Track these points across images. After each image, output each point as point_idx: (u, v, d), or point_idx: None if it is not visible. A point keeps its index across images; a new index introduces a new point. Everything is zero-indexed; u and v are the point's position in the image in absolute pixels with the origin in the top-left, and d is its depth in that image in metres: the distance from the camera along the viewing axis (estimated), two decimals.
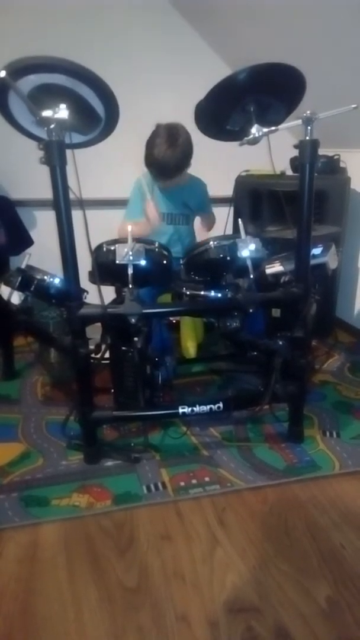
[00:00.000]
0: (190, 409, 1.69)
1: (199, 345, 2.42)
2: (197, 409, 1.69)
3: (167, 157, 1.98)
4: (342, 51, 2.09)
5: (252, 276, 1.65)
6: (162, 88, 2.67)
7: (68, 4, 2.54)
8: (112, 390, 1.81)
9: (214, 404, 1.71)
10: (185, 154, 2.02)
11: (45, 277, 1.83)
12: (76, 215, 1.44)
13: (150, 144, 2.01)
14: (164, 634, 1.13)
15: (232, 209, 2.71)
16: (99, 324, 1.65)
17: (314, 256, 1.69)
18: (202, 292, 1.84)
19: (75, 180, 1.41)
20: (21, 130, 1.50)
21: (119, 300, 1.63)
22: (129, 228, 1.59)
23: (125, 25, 2.67)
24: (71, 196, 1.41)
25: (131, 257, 1.55)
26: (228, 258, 1.71)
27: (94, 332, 1.66)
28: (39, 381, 2.32)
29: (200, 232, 2.48)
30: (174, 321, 2.41)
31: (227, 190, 2.71)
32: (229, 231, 2.42)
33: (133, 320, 1.53)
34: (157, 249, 1.69)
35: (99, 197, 2.62)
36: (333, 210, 2.52)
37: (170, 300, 2.09)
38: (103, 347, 1.67)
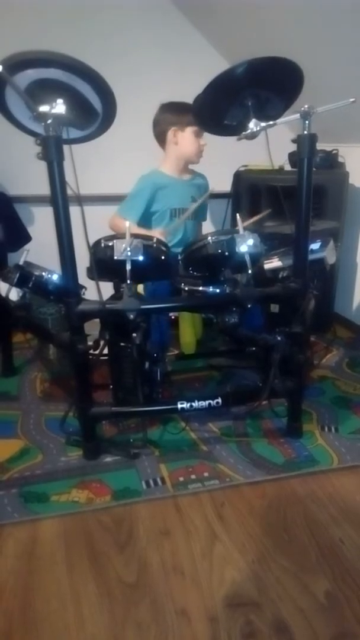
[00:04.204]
0: (189, 404, 1.69)
1: (198, 341, 2.42)
2: (196, 404, 1.69)
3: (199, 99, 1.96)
4: (340, 45, 2.08)
5: (250, 271, 1.65)
6: (161, 84, 2.64)
7: (68, 2, 2.53)
8: (111, 386, 1.81)
9: (213, 400, 1.71)
10: None
11: (44, 274, 1.82)
12: (74, 211, 1.43)
13: (178, 106, 2.11)
14: (164, 628, 1.13)
15: (230, 204, 2.71)
16: (97, 320, 1.65)
17: (313, 251, 1.69)
18: (201, 288, 1.84)
19: (72, 175, 1.40)
20: (18, 126, 1.49)
21: (117, 296, 1.63)
22: (127, 224, 1.59)
23: (125, 22, 2.65)
24: (69, 192, 1.41)
25: (129, 253, 1.55)
26: (226, 253, 1.71)
27: (93, 328, 1.66)
28: (38, 377, 2.32)
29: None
30: (173, 317, 2.41)
31: (226, 186, 2.71)
32: (227, 226, 2.43)
33: (131, 316, 1.53)
34: (155, 245, 1.68)
35: (97, 192, 2.61)
36: (331, 205, 2.51)
37: None
38: (102, 343, 1.67)
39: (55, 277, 1.81)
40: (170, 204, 2.25)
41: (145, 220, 2.24)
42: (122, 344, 1.68)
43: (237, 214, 1.75)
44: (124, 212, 2.20)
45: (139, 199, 2.20)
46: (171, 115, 2.16)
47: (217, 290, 1.79)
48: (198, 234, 2.41)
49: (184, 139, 2.18)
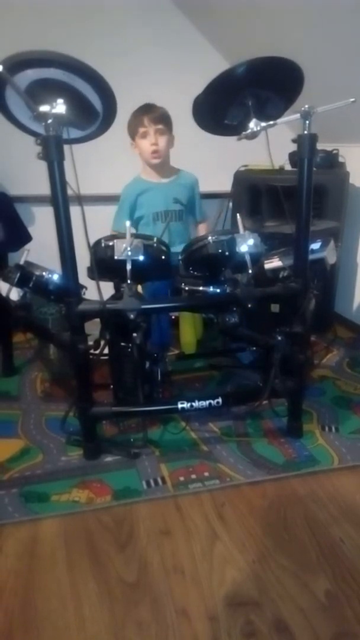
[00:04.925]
0: (189, 404, 1.69)
1: (198, 340, 2.42)
2: (196, 404, 1.69)
3: (153, 107, 2.13)
4: (341, 45, 2.08)
5: (250, 271, 1.65)
6: (161, 83, 2.64)
7: (68, 2, 2.53)
8: (112, 386, 1.81)
9: (213, 399, 1.71)
10: (168, 113, 2.16)
11: (44, 273, 1.82)
12: (74, 211, 1.43)
13: (131, 116, 2.16)
14: (164, 628, 1.13)
15: (230, 204, 2.71)
16: (97, 320, 1.65)
17: (313, 251, 1.69)
18: (201, 288, 1.84)
19: (73, 175, 1.41)
20: (18, 126, 1.49)
21: (117, 296, 1.63)
22: (127, 223, 1.59)
23: (125, 21, 2.66)
24: (69, 192, 1.41)
25: (129, 253, 1.55)
26: (227, 253, 1.71)
27: (93, 328, 1.66)
28: (39, 377, 2.32)
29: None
30: (173, 317, 2.41)
31: (226, 186, 2.71)
32: (228, 226, 2.43)
33: (132, 316, 1.53)
34: (155, 244, 1.69)
35: (97, 192, 2.61)
36: (332, 205, 2.51)
37: None
38: (102, 343, 1.67)
39: (55, 277, 1.81)
40: (152, 208, 2.27)
41: (135, 227, 2.31)
42: (122, 343, 1.68)
43: (237, 214, 1.75)
44: (115, 226, 2.28)
45: (123, 210, 2.29)
46: (128, 126, 2.20)
47: (218, 290, 1.79)
48: (192, 234, 2.41)
49: (139, 145, 2.22)
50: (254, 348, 2.07)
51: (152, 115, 2.13)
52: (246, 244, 1.66)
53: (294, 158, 2.47)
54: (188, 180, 2.35)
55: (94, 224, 1.49)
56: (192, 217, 2.45)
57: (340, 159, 2.62)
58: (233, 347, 2.34)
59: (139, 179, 2.32)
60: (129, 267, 1.55)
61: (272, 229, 2.37)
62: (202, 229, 2.48)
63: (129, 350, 1.67)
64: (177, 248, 1.99)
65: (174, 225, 2.31)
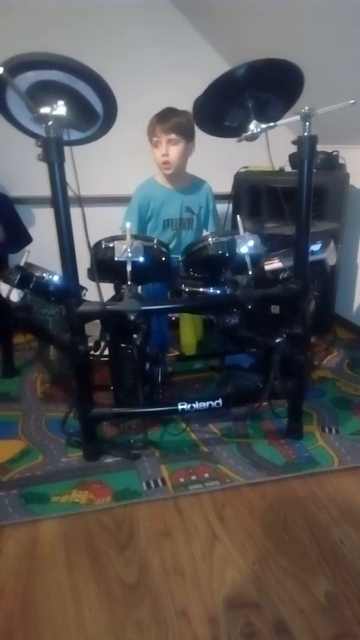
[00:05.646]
0: (189, 405, 1.69)
1: (198, 342, 2.42)
2: (196, 405, 1.69)
3: (171, 115, 2.07)
4: (341, 46, 2.08)
5: (250, 273, 1.65)
6: (161, 85, 2.65)
7: (68, 3, 2.54)
8: (112, 387, 1.81)
9: (213, 401, 1.71)
10: (190, 120, 2.00)
11: (44, 275, 1.83)
12: (75, 212, 1.44)
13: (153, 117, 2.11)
14: (164, 629, 1.13)
15: (230, 205, 2.71)
16: (98, 321, 1.65)
17: (313, 252, 1.69)
18: (201, 289, 1.84)
19: (73, 177, 1.41)
20: (19, 128, 1.50)
21: (117, 297, 1.63)
22: (128, 225, 1.59)
23: (125, 22, 2.66)
24: (70, 193, 1.41)
25: (130, 254, 1.55)
26: (227, 255, 1.71)
27: (93, 329, 1.66)
28: (39, 378, 2.32)
29: None
30: (173, 318, 2.41)
31: (226, 187, 2.71)
32: (228, 227, 2.42)
33: (132, 317, 1.53)
34: (155, 246, 1.69)
35: (98, 194, 2.62)
36: (332, 207, 2.51)
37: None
38: (102, 344, 1.67)
39: (56, 278, 1.81)
40: (163, 215, 2.25)
41: (142, 228, 2.27)
42: (122, 345, 1.68)
43: (238, 216, 1.75)
44: (126, 218, 2.25)
45: (133, 210, 2.25)
46: (147, 131, 2.18)
47: (218, 292, 1.79)
48: None
49: (152, 153, 2.19)
50: (254, 350, 2.07)
51: (165, 125, 2.08)
52: (246, 245, 1.66)
53: (294, 159, 2.47)
54: (202, 189, 2.31)
55: (94, 226, 1.49)
56: (204, 227, 2.38)
57: (341, 161, 2.62)
58: (231, 350, 2.33)
59: (153, 181, 2.28)
60: (129, 268, 1.56)
61: (272, 231, 2.37)
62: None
63: (129, 351, 1.67)
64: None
65: (184, 234, 2.29)
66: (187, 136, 2.12)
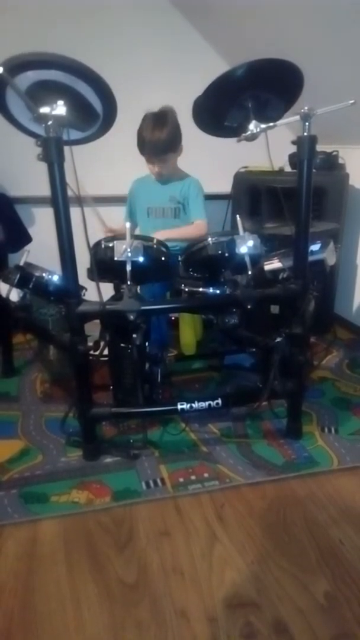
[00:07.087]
0: (189, 405, 1.69)
1: (198, 341, 2.42)
2: (196, 405, 1.69)
3: (155, 137, 2.07)
4: (340, 47, 2.08)
5: (250, 273, 1.65)
6: (161, 85, 2.65)
7: (68, 3, 2.53)
8: (111, 387, 1.81)
9: (213, 401, 1.71)
10: (173, 132, 2.10)
11: (44, 274, 1.82)
12: (74, 212, 1.44)
13: (139, 130, 2.11)
14: (163, 629, 1.13)
15: (230, 205, 2.71)
16: (97, 321, 1.66)
17: (313, 252, 1.69)
18: (201, 289, 1.84)
19: (73, 177, 1.41)
20: (19, 127, 1.50)
21: (117, 297, 1.63)
22: (127, 225, 1.59)
23: (125, 23, 2.66)
24: (69, 193, 1.41)
25: (129, 254, 1.55)
26: (226, 254, 1.71)
27: (93, 329, 1.66)
28: (38, 378, 2.32)
29: None
30: (173, 318, 2.41)
31: (226, 187, 2.71)
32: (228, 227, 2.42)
33: (132, 317, 1.53)
34: (155, 246, 1.69)
35: (97, 193, 2.61)
36: (331, 207, 2.51)
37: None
38: (102, 344, 1.67)
39: (55, 278, 1.81)
40: (147, 202, 2.30)
41: (132, 218, 2.36)
42: (122, 344, 1.68)
43: (237, 216, 1.75)
44: (124, 217, 2.36)
45: (127, 202, 2.37)
46: None
47: (218, 292, 1.79)
48: None
49: (146, 162, 2.24)
50: (253, 350, 2.07)
51: (149, 153, 2.13)
52: (246, 245, 1.66)
53: (293, 159, 2.47)
54: (187, 180, 2.31)
55: (94, 225, 1.49)
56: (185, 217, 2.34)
57: (340, 161, 2.63)
58: (231, 350, 2.33)
59: (147, 175, 2.33)
60: (128, 268, 1.56)
61: (271, 231, 2.37)
62: (189, 229, 2.24)
63: (129, 351, 1.67)
64: (174, 245, 1.98)
65: (170, 222, 2.30)
66: (172, 148, 2.15)
